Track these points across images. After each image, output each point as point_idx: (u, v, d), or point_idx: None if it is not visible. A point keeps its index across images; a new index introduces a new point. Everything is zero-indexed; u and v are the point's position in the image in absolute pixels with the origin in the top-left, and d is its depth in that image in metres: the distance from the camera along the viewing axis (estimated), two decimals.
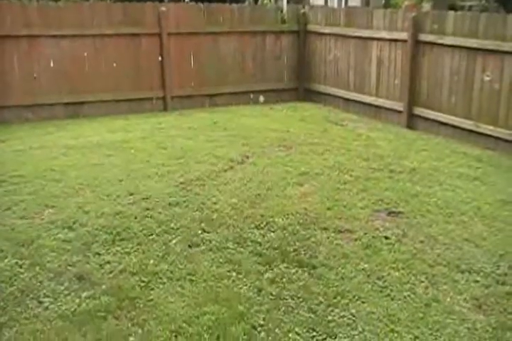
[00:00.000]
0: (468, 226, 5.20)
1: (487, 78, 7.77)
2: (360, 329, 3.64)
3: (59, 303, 3.90)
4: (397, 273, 4.33)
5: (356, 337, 3.56)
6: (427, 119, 8.80)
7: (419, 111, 8.91)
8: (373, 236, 4.89)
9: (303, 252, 4.63)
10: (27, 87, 9.31)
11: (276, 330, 3.60)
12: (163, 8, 10.12)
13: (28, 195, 5.81)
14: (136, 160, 6.98)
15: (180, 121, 9.27)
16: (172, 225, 5.06)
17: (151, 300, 3.96)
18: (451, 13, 8.61)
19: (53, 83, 9.49)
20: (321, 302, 3.93)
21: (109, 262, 4.46)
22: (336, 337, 3.54)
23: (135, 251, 4.65)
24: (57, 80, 9.51)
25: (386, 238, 4.90)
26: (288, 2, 15.22)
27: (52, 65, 9.50)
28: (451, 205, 5.66)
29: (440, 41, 8.39)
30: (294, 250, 4.65)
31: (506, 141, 7.50)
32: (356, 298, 4.01)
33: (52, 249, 4.64)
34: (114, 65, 9.93)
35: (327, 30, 10.46)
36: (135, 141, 7.88)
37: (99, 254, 4.58)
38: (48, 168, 6.63)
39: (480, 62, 7.86)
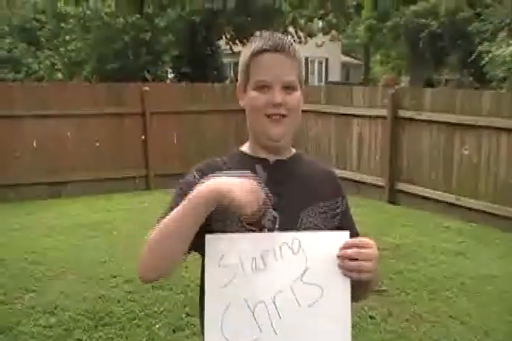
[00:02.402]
0: (453, 302, 5.19)
1: (465, 152, 7.91)
2: None
3: None
4: None
5: None
6: (408, 194, 8.88)
7: (400, 186, 9.01)
8: (359, 316, 4.85)
9: None
10: (9, 166, 9.31)
11: None
12: (146, 88, 10.30)
13: (8, 278, 5.73)
14: (118, 242, 6.94)
15: (163, 200, 9.26)
16: (155, 309, 5.00)
17: None
18: (429, 89, 8.83)
19: (36, 162, 9.50)
20: None
21: None
22: None
23: (118, 336, 4.56)
24: (39, 159, 9.52)
25: (371, 318, 4.86)
26: None
27: (34, 144, 9.55)
28: (435, 281, 5.65)
29: (418, 117, 8.57)
30: None
31: (487, 213, 7.57)
32: None
33: (33, 335, 4.55)
34: (97, 144, 10.00)
35: (308, 107, 10.66)
36: (118, 222, 7.85)
37: (81, 340, 4.50)
38: (29, 250, 6.57)
39: (458, 137, 8.02)
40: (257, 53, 1.74)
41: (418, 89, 9.37)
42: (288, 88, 1.73)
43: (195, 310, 5.07)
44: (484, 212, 7.63)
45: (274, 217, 1.72)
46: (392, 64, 31.46)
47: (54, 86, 10.23)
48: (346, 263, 1.60)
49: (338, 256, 1.61)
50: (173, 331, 4.63)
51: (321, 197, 1.84)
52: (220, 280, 1.59)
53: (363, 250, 1.61)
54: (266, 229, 1.70)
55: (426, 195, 8.54)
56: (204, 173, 1.71)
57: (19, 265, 6.12)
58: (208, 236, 1.60)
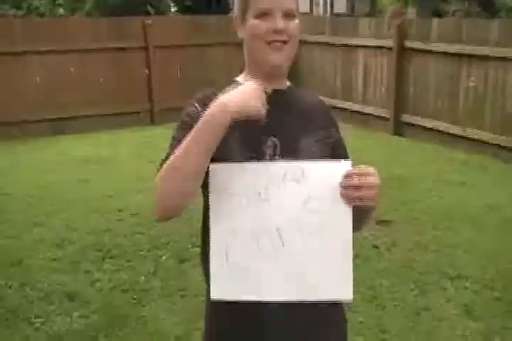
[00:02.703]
0: (456, 231, 5.23)
1: (472, 83, 7.83)
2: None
3: (50, 323, 3.88)
4: (387, 282, 4.34)
5: None
6: (414, 126, 8.84)
7: (406, 117, 8.95)
8: (362, 246, 4.90)
9: None
10: (12, 103, 9.28)
11: None
12: (149, 22, 10.14)
13: (15, 213, 5.80)
14: (124, 176, 6.98)
15: (168, 134, 9.25)
16: (162, 240, 5.07)
17: (143, 317, 3.96)
18: (435, 19, 8.68)
19: (39, 99, 9.45)
20: None
21: (99, 280, 4.45)
22: None
23: (125, 268, 4.65)
24: (43, 96, 9.47)
25: (375, 247, 4.92)
26: None
27: (37, 80, 9.49)
28: (439, 212, 5.69)
29: (424, 47, 8.44)
30: None
31: (492, 144, 7.55)
32: (346, 308, 4.01)
33: (42, 268, 4.64)
34: (101, 79, 9.92)
35: (313, 38, 10.49)
36: (123, 156, 7.89)
37: (88, 272, 4.57)
38: (36, 185, 6.63)
39: (465, 68, 7.92)
40: None
41: (424, 19, 9.18)
42: (288, 15, 1.74)
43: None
44: (490, 143, 7.60)
45: (275, 144, 1.74)
46: None
47: (56, 21, 10.07)
48: (349, 191, 1.62)
49: (341, 185, 1.62)
50: (180, 261, 4.70)
51: (318, 126, 1.86)
52: (225, 209, 1.61)
53: (364, 178, 1.62)
54: (267, 156, 1.72)
55: (431, 126, 8.49)
56: (205, 103, 1.70)
57: (26, 200, 6.18)
58: (211, 166, 1.60)
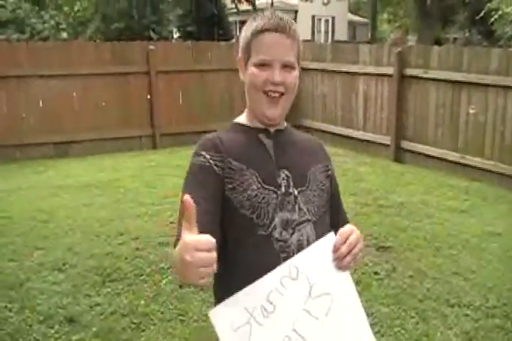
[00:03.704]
0: (457, 259, 5.23)
1: (472, 111, 7.89)
2: None
3: None
4: (387, 309, 4.34)
5: None
6: (414, 152, 8.89)
7: (406, 144, 9.00)
8: (363, 272, 4.90)
9: None
10: (15, 126, 9.33)
11: None
12: (152, 47, 10.24)
13: (17, 236, 5.80)
14: (125, 200, 7.00)
15: (169, 158, 9.31)
16: (162, 265, 5.06)
17: None
18: (436, 47, 8.77)
19: (42, 122, 9.51)
20: None
21: (99, 304, 4.44)
22: None
23: (125, 292, 4.64)
24: (45, 120, 9.53)
25: (376, 273, 4.92)
26: None
27: (40, 104, 9.55)
28: (439, 239, 5.70)
29: (425, 75, 8.52)
30: None
31: (492, 172, 7.58)
32: None
33: (42, 291, 4.63)
34: (103, 103, 9.99)
35: (315, 65, 10.58)
36: (124, 180, 7.91)
37: (89, 296, 4.57)
38: (37, 209, 6.64)
39: (465, 95, 7.98)
40: (259, 32, 1.83)
41: (425, 47, 9.29)
42: (287, 67, 1.83)
43: None
44: (489, 170, 7.64)
45: (287, 176, 1.85)
46: (400, 22, 31.09)
47: (59, 46, 10.16)
48: (343, 261, 1.72)
49: (334, 260, 1.72)
50: (180, 286, 4.70)
51: (318, 160, 2.01)
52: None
53: (349, 241, 1.73)
54: (283, 187, 1.82)
55: (431, 153, 8.54)
56: (213, 151, 1.81)
57: (28, 223, 6.19)
58: (210, 313, 1.57)
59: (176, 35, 22.29)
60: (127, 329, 4.10)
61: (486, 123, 7.73)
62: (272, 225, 1.78)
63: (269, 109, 1.85)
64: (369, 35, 35.33)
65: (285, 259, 1.71)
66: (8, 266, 5.12)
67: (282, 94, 1.85)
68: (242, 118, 1.99)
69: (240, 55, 1.92)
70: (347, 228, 1.76)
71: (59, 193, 7.35)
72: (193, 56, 10.67)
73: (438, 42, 18.79)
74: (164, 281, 4.80)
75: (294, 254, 1.73)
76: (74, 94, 9.80)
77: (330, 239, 1.73)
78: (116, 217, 6.37)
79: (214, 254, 1.41)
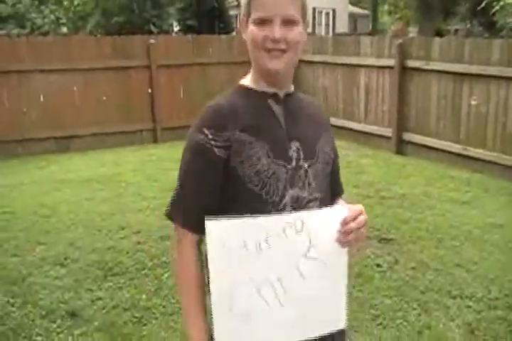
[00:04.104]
0: (459, 251, 5.23)
1: (473, 102, 7.86)
2: None
3: None
4: (389, 301, 4.34)
5: None
6: (416, 144, 8.87)
7: (408, 136, 8.99)
8: (365, 265, 4.90)
9: None
10: (17, 121, 9.33)
11: None
12: (152, 41, 10.22)
13: (19, 231, 5.81)
14: (127, 194, 7.01)
15: (171, 152, 9.30)
16: (164, 259, 5.06)
17: (144, 335, 3.95)
18: (437, 39, 8.74)
19: (43, 117, 9.51)
20: None
21: (101, 298, 4.44)
22: None
23: (127, 286, 4.64)
24: (47, 115, 9.53)
25: (378, 265, 4.92)
26: None
27: (41, 99, 9.55)
28: (441, 230, 5.69)
29: (426, 67, 8.49)
30: None
31: (494, 163, 7.56)
32: (349, 327, 4.00)
33: (44, 286, 4.63)
34: (104, 98, 9.98)
35: (316, 58, 10.55)
36: (126, 174, 7.91)
37: (91, 290, 4.57)
38: (39, 204, 6.65)
39: (466, 87, 7.96)
40: None
41: (426, 38, 9.26)
42: (288, 22, 1.73)
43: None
44: (491, 162, 7.62)
45: (298, 148, 1.79)
46: (400, 14, 31.01)
47: (59, 40, 10.15)
48: (348, 236, 1.70)
49: (341, 232, 1.70)
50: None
51: (325, 128, 1.95)
52: (224, 262, 1.60)
53: (359, 219, 1.72)
54: (294, 160, 1.77)
55: (433, 145, 8.52)
56: (215, 129, 1.73)
57: (30, 218, 6.19)
58: (208, 222, 1.58)
59: (176, 29, 22.24)
60: (129, 323, 4.10)
61: (487, 114, 7.70)
62: (282, 203, 1.74)
63: (271, 62, 1.75)
64: (370, 27, 35.25)
65: None
66: (11, 261, 5.13)
67: (284, 50, 1.75)
68: (248, 81, 1.89)
69: (241, 14, 1.84)
70: (358, 207, 1.74)
71: (61, 188, 7.35)
72: (193, 50, 10.65)
73: (439, 33, 18.73)
74: (166, 275, 4.80)
75: None
76: (75, 88, 9.79)
77: (341, 212, 1.70)
78: (118, 211, 6.38)
79: None
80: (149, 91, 10.24)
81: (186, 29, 20.40)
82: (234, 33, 20.06)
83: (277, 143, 1.76)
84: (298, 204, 1.76)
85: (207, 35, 11.55)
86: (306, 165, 1.79)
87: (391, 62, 9.02)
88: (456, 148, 8.14)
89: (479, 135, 7.83)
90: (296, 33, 1.75)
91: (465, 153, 7.99)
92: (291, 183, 1.76)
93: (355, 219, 1.70)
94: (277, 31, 1.71)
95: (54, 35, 17.03)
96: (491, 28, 17.44)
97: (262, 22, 1.73)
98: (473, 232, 5.65)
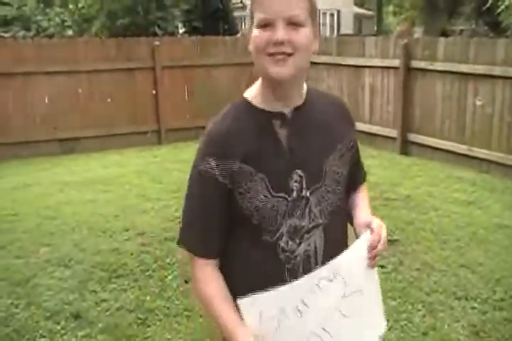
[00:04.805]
0: (464, 252, 5.20)
1: (479, 103, 7.83)
2: None
3: None
4: (394, 303, 4.32)
5: None
6: (421, 145, 8.84)
7: (413, 137, 8.96)
8: None
9: None
10: (21, 123, 9.34)
11: None
12: (157, 43, 10.23)
13: (23, 233, 5.81)
14: (131, 195, 7.01)
15: (175, 154, 9.30)
16: (168, 260, 5.06)
17: (148, 337, 3.95)
18: (442, 39, 8.72)
19: (48, 119, 9.53)
20: None
21: (105, 300, 4.44)
22: None
23: (131, 287, 4.64)
24: (51, 116, 9.54)
25: (382, 267, 4.89)
26: None
27: (46, 101, 9.56)
28: (446, 231, 5.67)
29: (431, 67, 8.47)
30: None
31: (499, 163, 7.53)
32: None
33: (49, 287, 4.63)
34: (109, 99, 9.99)
35: (320, 59, 10.53)
36: (130, 176, 7.91)
37: (95, 292, 4.57)
38: (44, 205, 6.65)
39: (472, 87, 7.93)
40: None
41: (431, 39, 9.26)
42: (293, 24, 1.59)
43: None
44: (497, 162, 7.59)
45: (300, 177, 1.69)
46: (405, 15, 30.94)
47: (64, 42, 10.19)
48: (375, 259, 1.71)
49: (369, 258, 1.69)
50: (186, 282, 4.69)
51: (339, 139, 1.82)
52: (266, 332, 1.57)
53: (383, 240, 1.71)
54: (295, 192, 1.68)
55: (438, 145, 8.49)
56: (217, 157, 1.67)
57: (34, 220, 6.20)
58: (241, 301, 1.55)
59: (181, 31, 22.25)
60: (133, 324, 4.09)
61: (493, 114, 7.67)
62: (279, 233, 1.68)
63: (274, 68, 1.61)
64: (375, 28, 35.18)
65: (290, 271, 1.67)
66: (15, 262, 5.13)
67: (290, 54, 1.60)
68: (254, 93, 1.76)
69: (248, 25, 1.71)
70: (378, 225, 1.72)
71: (65, 190, 7.36)
72: (198, 51, 10.66)
73: (444, 34, 18.68)
74: (170, 277, 4.80)
75: (300, 266, 1.68)
76: (79, 90, 9.81)
77: (365, 236, 1.69)
78: (122, 212, 6.37)
79: None
80: (154, 92, 10.25)
81: (191, 31, 20.40)
82: (239, 35, 20.05)
83: (278, 175, 1.68)
84: (295, 234, 1.69)
85: (211, 37, 11.53)
86: (307, 194, 1.71)
87: (396, 62, 9.00)
88: (461, 148, 8.11)
89: (484, 135, 7.80)
90: (303, 35, 1.62)
91: (470, 153, 7.96)
92: (290, 213, 1.69)
93: (379, 239, 1.68)
94: (279, 33, 1.58)
95: (59, 37, 17.07)
96: (496, 28, 17.38)
97: (264, 25, 1.60)
98: (479, 233, 5.62)
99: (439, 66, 8.35)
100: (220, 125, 1.72)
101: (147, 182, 7.52)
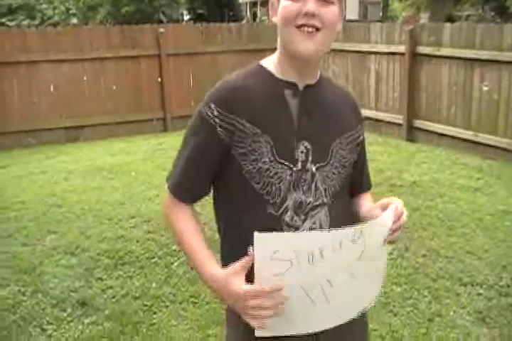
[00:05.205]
0: (470, 238, 5.20)
1: (485, 88, 7.79)
2: None
3: (62, 330, 3.89)
4: (399, 289, 4.32)
5: None
6: (426, 131, 8.82)
7: (418, 123, 8.93)
8: None
9: None
10: (27, 112, 9.35)
11: None
12: (162, 30, 10.19)
13: (29, 221, 5.82)
14: (137, 183, 7.02)
15: (180, 141, 9.28)
16: (174, 247, 5.06)
17: (154, 324, 3.96)
18: (448, 24, 8.67)
19: (53, 107, 9.53)
20: None
21: (111, 287, 4.45)
22: None
23: (137, 274, 4.65)
24: (57, 105, 9.55)
25: (388, 253, 4.87)
26: None
27: (51, 89, 9.56)
28: (452, 218, 5.66)
29: (437, 53, 8.42)
30: None
31: (506, 150, 7.50)
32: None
33: (55, 275, 4.65)
34: (114, 87, 9.99)
35: None
36: (136, 164, 7.92)
37: (101, 279, 4.58)
38: (50, 193, 6.67)
39: (478, 73, 7.89)
40: None
41: (437, 24, 9.21)
42: (325, 0, 1.59)
43: (213, 248, 5.10)
44: (503, 148, 7.56)
45: (307, 149, 1.67)
46: (411, 0, 30.77)
47: (68, 30, 10.18)
48: (393, 234, 1.69)
49: (390, 232, 1.67)
50: (191, 268, 4.69)
51: (348, 127, 1.80)
52: (272, 271, 1.55)
53: (401, 220, 1.70)
54: (299, 162, 1.66)
55: (444, 132, 8.47)
56: (222, 107, 1.64)
57: (40, 208, 6.21)
58: (257, 235, 1.50)
59: (186, 18, 22.19)
60: (139, 311, 4.11)
61: (499, 100, 7.63)
62: (284, 206, 1.64)
63: (302, 42, 1.59)
64: (380, 14, 35.00)
65: None
66: (22, 250, 5.14)
67: (318, 29, 1.59)
68: (271, 62, 1.74)
69: None
70: (400, 205, 1.69)
71: (71, 177, 7.37)
72: (203, 38, 10.64)
73: (451, 19, 18.57)
74: (176, 263, 4.80)
75: None
76: (85, 78, 9.80)
77: (392, 208, 1.68)
78: (128, 200, 6.39)
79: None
80: (159, 80, 10.23)
81: (196, 18, 20.36)
82: (244, 21, 19.98)
83: (283, 141, 1.64)
84: (301, 210, 1.66)
85: (216, 24, 11.50)
86: (313, 168, 1.67)
87: (401, 48, 8.96)
88: (467, 134, 8.08)
89: (491, 121, 7.76)
90: (332, 11, 1.61)
91: (476, 139, 7.93)
92: (295, 186, 1.65)
93: (399, 218, 1.67)
94: (311, 5, 1.57)
95: (64, 25, 17.05)
96: (503, 14, 17.29)
97: None
98: (485, 219, 5.61)
99: (445, 52, 8.30)
100: (230, 81, 1.71)
101: (153, 170, 7.52)
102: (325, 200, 1.70)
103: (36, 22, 20.07)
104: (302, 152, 1.65)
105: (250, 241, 1.52)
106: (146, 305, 4.18)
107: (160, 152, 8.57)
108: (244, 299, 1.52)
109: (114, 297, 4.31)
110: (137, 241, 5.24)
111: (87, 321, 3.99)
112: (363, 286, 1.70)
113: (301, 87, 1.70)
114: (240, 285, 1.53)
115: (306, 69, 1.70)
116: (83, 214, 5.99)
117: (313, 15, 1.57)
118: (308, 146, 1.66)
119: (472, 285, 4.34)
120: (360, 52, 9.89)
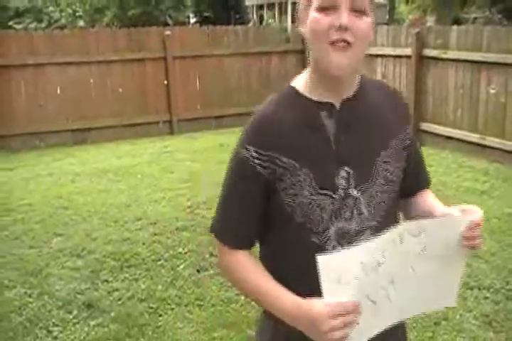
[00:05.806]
0: None
1: (492, 91, 7.78)
2: None
3: (68, 332, 3.90)
4: None
5: None
6: (433, 134, 8.79)
7: (425, 126, 8.91)
8: None
9: None
10: (34, 114, 9.38)
11: None
12: (168, 32, 10.21)
13: (36, 223, 5.84)
14: (143, 185, 7.03)
15: (186, 144, 9.31)
16: (180, 250, 5.07)
17: (160, 326, 3.96)
18: (454, 27, 8.65)
19: (60, 110, 9.56)
20: None
21: (117, 289, 4.46)
22: None
23: (143, 277, 4.65)
24: (63, 107, 9.57)
25: None
26: (293, 22, 15.32)
27: (58, 92, 9.59)
28: None
29: (444, 56, 8.41)
30: None
31: None
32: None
33: (61, 277, 4.66)
34: (120, 90, 10.01)
35: None
36: (142, 166, 7.93)
37: (107, 281, 4.59)
38: (56, 196, 6.68)
39: (485, 76, 7.87)
40: None
41: (443, 27, 9.20)
42: (357, 11, 1.47)
43: None
44: (510, 151, 7.53)
45: (348, 174, 1.57)
46: (418, 3, 30.71)
47: (76, 33, 10.21)
48: (470, 242, 1.57)
49: (464, 237, 1.56)
50: (197, 271, 4.70)
51: (392, 134, 1.67)
52: (342, 292, 1.48)
53: (478, 229, 1.57)
54: (341, 190, 1.56)
55: (451, 135, 8.44)
56: (259, 146, 1.56)
57: (46, 210, 6.22)
58: (320, 258, 1.42)
59: (192, 21, 22.22)
60: (145, 314, 4.11)
61: (506, 103, 7.61)
62: (327, 236, 1.56)
63: (334, 56, 1.47)
64: (387, 17, 34.95)
65: None
66: (28, 252, 5.16)
67: (349, 44, 1.47)
68: (302, 81, 1.63)
69: (300, 4, 1.57)
70: (479, 211, 1.57)
71: (77, 180, 7.39)
72: (209, 41, 10.63)
73: (458, 22, 18.52)
74: (182, 266, 4.81)
75: None
76: (91, 81, 9.83)
77: (467, 215, 1.58)
78: (134, 202, 6.40)
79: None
80: (165, 82, 10.24)
81: (202, 20, 20.37)
82: (250, 24, 19.99)
83: (323, 171, 1.55)
84: (344, 239, 1.57)
85: (222, 26, 11.50)
86: (356, 193, 1.57)
87: (408, 51, 8.94)
88: (474, 137, 8.06)
89: (497, 124, 7.74)
90: (366, 23, 1.49)
91: (483, 142, 7.91)
92: (337, 214, 1.56)
93: (478, 225, 1.55)
94: (345, 17, 1.45)
95: (71, 28, 17.09)
96: (511, 16, 17.23)
97: (326, 8, 1.47)
98: (492, 223, 5.58)
99: (451, 55, 8.29)
100: (262, 113, 1.61)
101: (159, 172, 7.53)
102: (370, 224, 1.61)
103: (43, 25, 20.11)
104: (343, 178, 1.56)
105: (295, 271, 1.53)
106: (151, 308, 4.19)
107: (166, 154, 8.58)
108: (328, 317, 1.42)
109: (119, 299, 4.32)
110: (143, 244, 5.25)
111: (92, 323, 4.00)
112: (425, 286, 1.62)
113: (337, 104, 1.60)
114: (322, 304, 1.43)
115: (342, 83, 1.60)
116: (89, 217, 6.01)
117: (346, 29, 1.46)
118: (350, 171, 1.57)
119: (479, 289, 4.32)
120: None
